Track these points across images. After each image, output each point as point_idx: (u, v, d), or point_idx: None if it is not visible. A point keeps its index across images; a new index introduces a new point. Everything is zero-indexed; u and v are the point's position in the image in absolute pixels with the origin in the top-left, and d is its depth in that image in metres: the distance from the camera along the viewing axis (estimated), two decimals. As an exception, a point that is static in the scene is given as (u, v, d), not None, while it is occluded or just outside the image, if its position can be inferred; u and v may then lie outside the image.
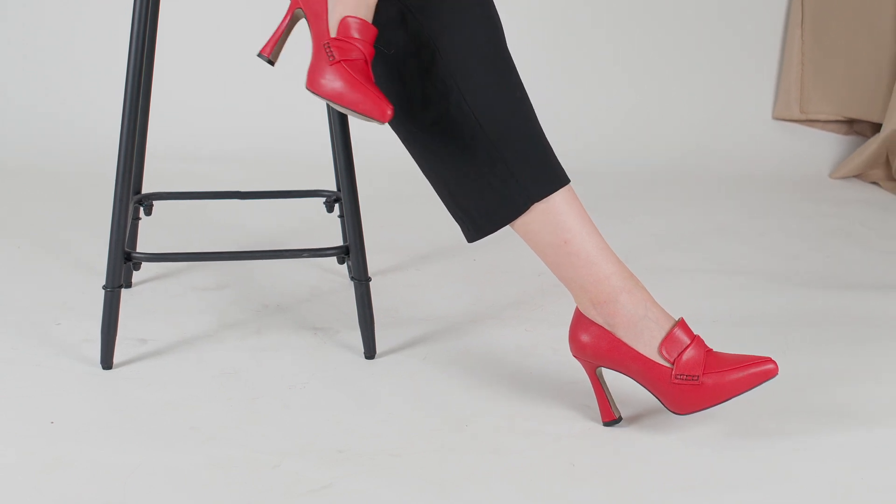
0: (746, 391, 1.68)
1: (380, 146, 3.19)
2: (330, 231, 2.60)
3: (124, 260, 1.94)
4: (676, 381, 1.68)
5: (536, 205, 1.70)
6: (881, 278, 2.42)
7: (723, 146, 3.34)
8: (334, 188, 2.34)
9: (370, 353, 2.00)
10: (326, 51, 1.67)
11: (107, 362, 1.94)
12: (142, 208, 2.26)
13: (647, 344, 1.69)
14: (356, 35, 1.67)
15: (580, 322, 1.74)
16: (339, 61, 1.65)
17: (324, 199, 2.29)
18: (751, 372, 1.67)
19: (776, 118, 3.41)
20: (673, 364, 1.67)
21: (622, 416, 1.78)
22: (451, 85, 1.70)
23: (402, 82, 1.74)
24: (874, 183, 3.19)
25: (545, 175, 1.70)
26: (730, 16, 3.43)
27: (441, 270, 2.43)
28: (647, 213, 2.80)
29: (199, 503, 1.55)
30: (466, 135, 1.70)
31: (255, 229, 2.65)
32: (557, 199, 1.70)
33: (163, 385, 1.89)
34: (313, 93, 1.66)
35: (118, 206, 1.93)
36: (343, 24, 1.67)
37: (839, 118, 3.36)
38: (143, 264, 2.31)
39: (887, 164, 3.19)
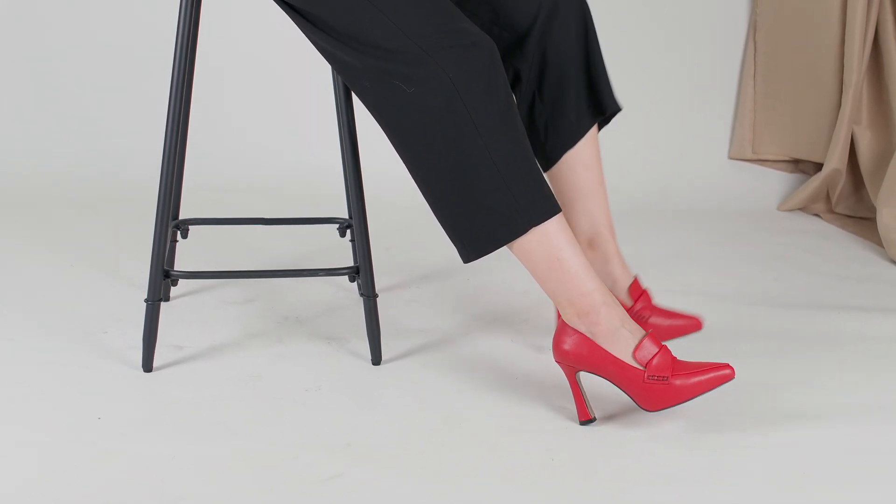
0: (707, 391, 1.71)
1: (387, 181, 3.19)
2: (342, 253, 2.60)
3: (163, 277, 1.94)
4: (648, 381, 1.70)
5: (534, 228, 1.71)
6: (822, 299, 2.42)
7: (684, 182, 3.34)
8: (346, 216, 2.34)
9: (377, 360, 2.00)
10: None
11: (147, 366, 1.94)
12: (179, 232, 2.26)
13: (623, 350, 1.70)
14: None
15: (563, 331, 1.74)
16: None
17: (337, 226, 2.29)
18: (712, 375, 1.70)
19: (731, 158, 3.42)
20: (645, 367, 1.69)
21: (596, 416, 1.78)
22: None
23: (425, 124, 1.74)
24: (816, 215, 3.19)
25: (542, 203, 1.71)
26: (691, 68, 3.44)
27: (439, 288, 2.43)
28: (619, 241, 2.79)
29: (226, 490, 1.55)
30: (480, 167, 1.70)
31: (278, 251, 2.65)
32: (552, 222, 1.71)
33: (196, 386, 1.89)
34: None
35: (159, 229, 1.93)
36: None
37: (786, 158, 3.37)
38: (180, 281, 2.31)
39: (828, 198, 3.19)
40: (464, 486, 1.57)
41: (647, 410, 1.72)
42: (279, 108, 3.37)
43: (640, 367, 1.70)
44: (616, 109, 2.00)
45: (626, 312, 1.74)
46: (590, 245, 2.01)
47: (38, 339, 2.08)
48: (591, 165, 2.00)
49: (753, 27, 3.37)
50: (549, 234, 1.71)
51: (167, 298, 2.27)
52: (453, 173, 1.72)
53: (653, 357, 1.69)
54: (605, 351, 1.71)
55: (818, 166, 3.29)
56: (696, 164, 3.40)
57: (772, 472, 1.62)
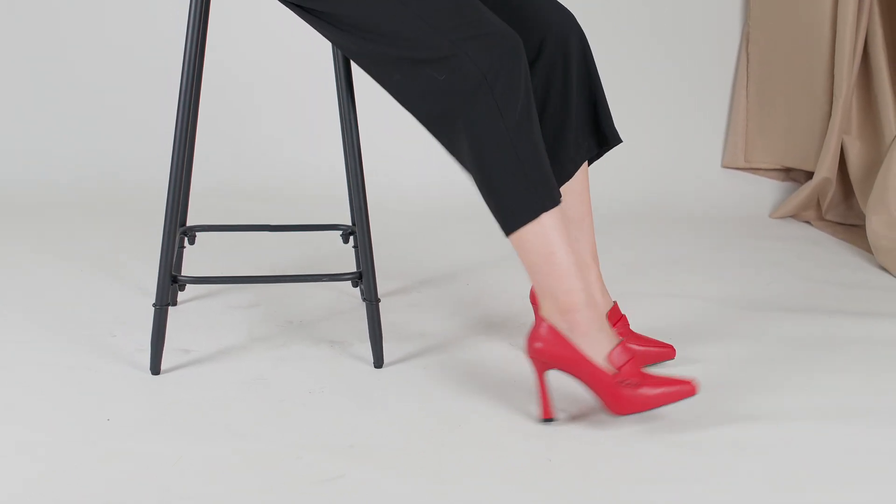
0: (670, 404, 1.74)
1: (390, 189, 3.20)
2: (345, 259, 2.60)
3: (171, 282, 1.94)
4: (618, 385, 1.72)
5: (540, 217, 1.72)
6: (814, 303, 2.42)
7: (679, 190, 3.34)
8: (350, 223, 2.34)
9: (379, 363, 2.00)
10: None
11: (155, 369, 1.94)
12: (186, 238, 2.26)
13: (597, 352, 1.72)
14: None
15: (539, 328, 1.75)
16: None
17: (341, 232, 2.29)
18: (677, 389, 1.74)
19: (725, 166, 3.42)
20: (618, 370, 1.71)
21: (559, 417, 1.80)
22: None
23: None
24: (807, 222, 3.19)
25: (549, 191, 1.73)
26: (686, 80, 3.44)
27: (439, 293, 2.43)
28: (617, 247, 2.80)
29: (231, 489, 1.55)
30: (501, 151, 1.73)
31: (282, 257, 2.65)
32: (551, 216, 1.73)
33: (202, 388, 1.89)
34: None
35: (167, 235, 1.93)
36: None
37: (778, 167, 3.37)
38: (187, 286, 2.31)
39: (818, 206, 3.19)
40: (464, 486, 1.57)
41: (613, 414, 1.74)
42: (285, 118, 3.37)
43: (612, 370, 1.71)
44: (617, 142, 2.01)
45: (605, 318, 1.75)
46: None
47: (47, 341, 2.08)
48: (580, 195, 2.00)
49: (746, 39, 3.37)
50: (546, 228, 1.73)
51: (175, 303, 2.27)
52: (480, 155, 1.74)
53: (625, 363, 1.71)
54: (580, 351, 1.73)
55: (809, 175, 3.29)
56: (691, 173, 3.40)
57: (768, 473, 1.62)
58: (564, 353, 1.74)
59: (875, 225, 2.81)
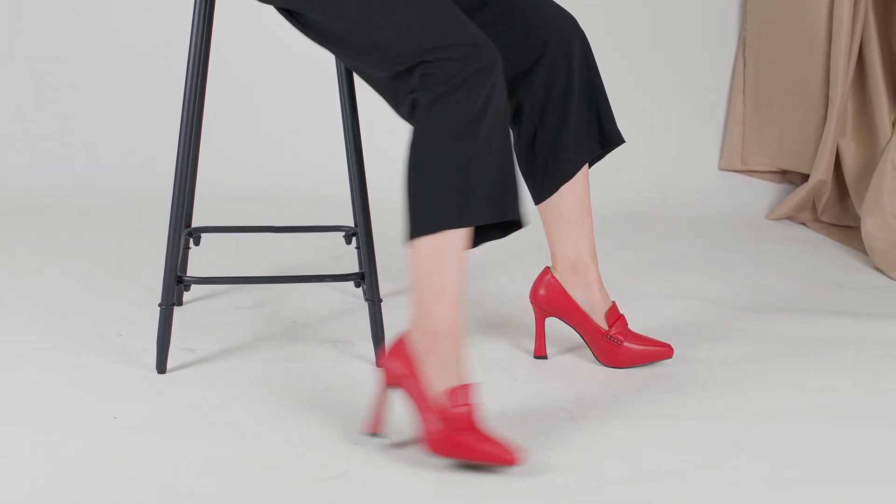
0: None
1: (391, 191, 3.19)
2: (348, 260, 2.60)
3: (177, 282, 1.94)
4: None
5: (445, 233, 1.64)
6: (810, 304, 2.42)
7: (677, 192, 3.33)
8: (352, 224, 2.34)
9: (381, 362, 2.00)
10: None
11: (161, 368, 1.94)
12: (191, 239, 2.26)
13: (440, 383, 1.64)
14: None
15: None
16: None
17: (343, 234, 2.30)
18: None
19: (722, 169, 3.42)
20: (450, 406, 1.62)
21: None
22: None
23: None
24: (803, 224, 3.19)
25: (462, 210, 1.64)
26: (684, 84, 3.44)
27: (441, 294, 2.43)
28: (617, 248, 2.80)
29: (235, 487, 1.55)
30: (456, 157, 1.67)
31: (286, 258, 2.65)
32: (458, 235, 1.65)
33: (207, 387, 1.89)
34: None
35: (172, 237, 1.93)
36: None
37: (774, 169, 3.37)
38: (193, 286, 2.31)
39: (814, 207, 3.19)
40: (465, 484, 1.57)
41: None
42: (288, 121, 3.37)
43: (442, 405, 1.62)
44: (619, 143, 1.99)
45: (461, 356, 1.67)
46: (572, 270, 2.00)
47: (55, 341, 2.08)
48: (581, 196, 1.99)
49: (743, 43, 3.37)
50: (445, 246, 1.65)
51: (180, 303, 2.27)
52: (412, 153, 1.69)
53: (456, 405, 1.62)
54: (419, 372, 1.66)
55: (805, 177, 3.29)
56: (689, 175, 3.40)
57: (767, 472, 1.62)
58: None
59: (870, 227, 2.81)
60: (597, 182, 3.25)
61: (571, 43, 1.93)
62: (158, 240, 2.66)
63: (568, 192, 1.97)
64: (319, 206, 3.08)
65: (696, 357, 2.06)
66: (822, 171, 3.09)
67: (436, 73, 1.64)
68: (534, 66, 1.93)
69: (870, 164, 3.05)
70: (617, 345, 1.98)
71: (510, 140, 1.70)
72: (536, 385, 1.93)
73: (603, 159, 2.07)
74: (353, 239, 2.26)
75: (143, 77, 3.34)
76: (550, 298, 2.01)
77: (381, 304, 1.98)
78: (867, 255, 2.80)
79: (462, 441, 1.61)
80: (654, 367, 2.00)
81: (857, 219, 3.01)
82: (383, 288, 2.38)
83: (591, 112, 1.97)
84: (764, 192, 3.38)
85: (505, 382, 1.94)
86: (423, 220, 1.66)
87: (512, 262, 2.65)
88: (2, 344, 2.06)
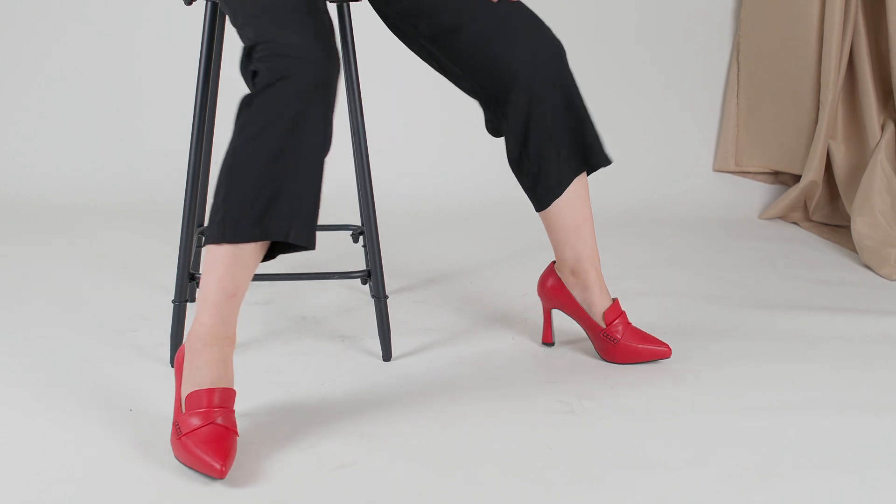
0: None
1: (397, 192, 3.20)
2: (355, 258, 2.61)
3: (189, 279, 1.94)
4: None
5: (221, 244, 1.61)
6: (801, 300, 2.42)
7: (673, 192, 3.34)
8: (359, 224, 2.34)
9: (387, 356, 2.00)
10: None
11: (174, 362, 1.95)
12: (204, 238, 2.27)
13: (189, 385, 1.61)
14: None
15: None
16: None
17: (350, 233, 2.30)
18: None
19: (716, 170, 3.42)
20: (184, 412, 1.59)
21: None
22: None
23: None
24: (794, 223, 3.19)
25: (226, 228, 1.60)
26: (679, 88, 3.44)
27: (445, 291, 2.44)
28: (614, 247, 2.80)
29: (247, 475, 1.55)
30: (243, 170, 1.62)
31: (295, 256, 2.65)
32: (225, 250, 1.61)
33: (220, 381, 1.89)
34: None
35: (185, 236, 1.94)
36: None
37: (767, 170, 3.37)
38: (205, 283, 2.31)
39: (805, 207, 3.19)
40: (468, 474, 1.58)
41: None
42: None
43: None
44: (604, 164, 1.95)
45: (213, 363, 1.61)
46: (572, 273, 2.01)
47: (73, 336, 2.09)
48: (577, 205, 1.96)
49: (737, 49, 3.37)
50: (215, 257, 1.62)
51: (193, 299, 2.27)
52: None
53: (197, 411, 1.57)
54: (181, 377, 1.63)
55: (796, 178, 3.29)
56: (684, 176, 3.40)
57: (760, 463, 1.62)
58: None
59: (859, 226, 2.82)
60: (596, 184, 3.26)
61: (535, 87, 1.86)
62: (171, 239, 2.67)
63: (563, 203, 1.95)
64: (327, 206, 3.09)
65: (691, 352, 2.06)
66: (813, 172, 3.10)
67: (260, 71, 1.60)
68: (507, 95, 1.88)
69: (859, 165, 3.05)
70: (613, 343, 1.98)
71: (317, 164, 1.64)
72: (537, 378, 1.93)
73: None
74: (360, 238, 2.27)
75: (156, 80, 3.35)
76: (554, 292, 2.04)
77: (387, 300, 1.98)
78: (857, 254, 2.80)
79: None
80: (652, 362, 2.00)
81: (848, 218, 3.02)
82: (389, 285, 2.39)
83: (573, 140, 1.92)
84: (757, 192, 3.38)
85: (507, 376, 1.94)
86: (208, 229, 1.63)
87: (513, 260, 2.66)
88: (22, 339, 2.06)
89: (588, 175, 1.97)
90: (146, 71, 3.35)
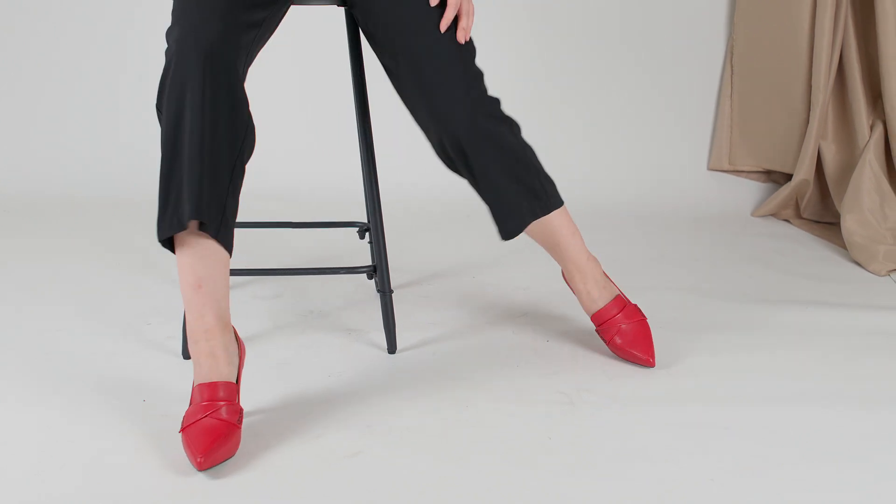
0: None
1: (402, 189, 3.20)
2: (361, 254, 2.61)
3: (201, 274, 1.94)
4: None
5: (174, 236, 1.61)
6: (792, 295, 2.42)
7: (669, 191, 3.34)
8: (365, 221, 2.34)
9: (392, 349, 2.00)
10: None
11: (186, 354, 1.95)
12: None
13: (199, 378, 1.62)
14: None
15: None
16: None
17: (357, 229, 2.30)
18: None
19: (710, 169, 3.41)
20: (182, 422, 1.59)
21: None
22: None
23: None
24: (786, 220, 3.19)
25: (171, 218, 1.59)
26: (675, 91, 3.44)
27: (448, 286, 2.43)
28: (612, 242, 2.80)
29: (256, 465, 1.55)
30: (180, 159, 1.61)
31: (303, 252, 2.65)
32: (182, 240, 1.61)
33: (230, 372, 1.89)
34: None
35: (197, 232, 1.93)
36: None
37: (760, 169, 3.36)
38: (215, 278, 2.31)
39: (797, 205, 3.19)
40: (471, 463, 1.58)
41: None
42: (305, 125, 3.38)
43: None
44: (557, 206, 1.88)
45: (212, 355, 1.62)
46: (566, 276, 2.01)
47: (89, 329, 2.09)
48: (548, 232, 1.91)
49: (730, 52, 3.37)
50: (179, 252, 1.62)
51: (204, 294, 2.27)
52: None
53: (186, 411, 1.59)
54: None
55: (788, 177, 3.29)
56: (680, 175, 3.40)
57: (753, 452, 1.62)
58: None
59: (849, 223, 2.81)
60: (594, 183, 3.25)
61: (457, 137, 1.78)
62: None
63: (534, 232, 1.92)
64: (334, 203, 3.09)
65: (687, 345, 2.06)
66: (804, 171, 3.09)
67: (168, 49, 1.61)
68: (444, 145, 1.82)
69: (849, 164, 3.05)
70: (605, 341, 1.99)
71: (208, 148, 1.59)
72: (538, 371, 1.93)
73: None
74: (366, 234, 2.27)
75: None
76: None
77: (392, 294, 1.98)
78: (846, 250, 2.80)
79: (182, 437, 1.56)
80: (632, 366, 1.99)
81: (838, 216, 3.01)
82: (394, 280, 2.39)
83: (518, 188, 1.85)
84: (750, 190, 3.38)
85: (508, 369, 1.94)
86: (157, 225, 1.62)
87: (514, 256, 2.66)
88: (39, 332, 2.06)
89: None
90: (156, 67, 3.35)
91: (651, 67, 3.46)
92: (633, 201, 3.27)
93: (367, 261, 2.53)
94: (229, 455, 1.54)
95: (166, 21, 3.23)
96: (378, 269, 1.97)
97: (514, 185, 1.84)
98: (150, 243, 2.70)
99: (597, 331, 2.00)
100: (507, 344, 2.07)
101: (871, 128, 2.98)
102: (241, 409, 1.60)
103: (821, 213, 3.17)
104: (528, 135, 2.98)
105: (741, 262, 2.72)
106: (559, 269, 2.50)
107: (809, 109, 3.11)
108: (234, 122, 1.62)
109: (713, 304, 2.34)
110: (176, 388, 1.82)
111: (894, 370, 1.97)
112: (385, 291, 1.97)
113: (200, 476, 1.52)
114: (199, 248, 1.62)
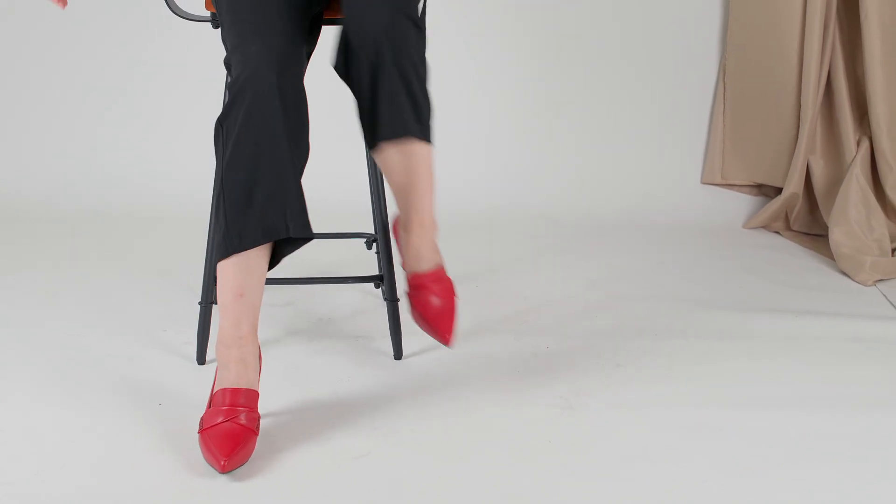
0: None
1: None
2: (368, 263, 2.61)
3: (214, 282, 1.94)
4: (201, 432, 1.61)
5: (229, 257, 1.64)
6: (782, 304, 2.42)
7: (662, 203, 3.33)
8: (372, 232, 2.34)
9: (398, 355, 2.00)
10: None
11: (201, 360, 1.95)
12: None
13: (221, 382, 1.64)
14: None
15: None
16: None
17: (364, 240, 2.30)
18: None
19: (703, 182, 3.41)
20: (210, 406, 1.63)
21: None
22: None
23: None
24: (776, 232, 3.19)
25: (232, 239, 1.63)
26: (669, 106, 3.44)
27: (451, 294, 2.43)
28: (607, 253, 2.80)
29: (267, 466, 1.56)
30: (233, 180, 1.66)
31: (313, 261, 2.65)
32: (232, 261, 1.64)
33: (243, 377, 1.89)
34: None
35: (211, 241, 1.94)
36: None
37: (751, 183, 3.36)
38: (229, 286, 2.31)
39: (786, 218, 3.19)
40: (473, 465, 1.58)
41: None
42: (314, 138, 3.37)
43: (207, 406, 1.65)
44: (418, 136, 1.77)
45: (241, 362, 1.65)
46: (403, 227, 1.88)
47: (107, 335, 2.09)
48: (412, 169, 1.80)
49: (723, 70, 3.38)
50: (225, 269, 1.64)
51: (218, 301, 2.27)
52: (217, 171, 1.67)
53: (222, 406, 1.60)
54: (217, 377, 1.66)
55: (778, 190, 3.29)
56: (673, 188, 3.40)
57: (748, 454, 1.62)
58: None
59: (837, 235, 2.81)
60: (589, 194, 3.25)
61: (368, 41, 1.73)
62: (198, 243, 2.67)
63: (394, 162, 1.80)
64: (343, 216, 3.09)
65: (682, 351, 2.06)
66: (794, 185, 3.09)
67: (229, 88, 1.64)
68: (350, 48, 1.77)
69: (837, 178, 3.05)
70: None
71: (288, 163, 1.66)
72: (538, 375, 1.93)
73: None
74: (374, 245, 2.27)
75: (183, 90, 3.34)
76: (395, 235, 1.96)
77: (399, 303, 1.98)
78: (834, 261, 2.80)
79: (202, 438, 1.57)
80: (644, 360, 1.99)
81: (826, 228, 3.01)
82: (400, 289, 2.38)
83: (409, 102, 1.77)
84: (741, 203, 3.37)
85: (509, 373, 1.94)
86: (218, 246, 1.65)
87: (514, 265, 2.66)
88: (58, 339, 2.07)
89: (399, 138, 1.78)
90: (171, 77, 3.34)
91: (647, 86, 3.46)
92: (627, 214, 3.27)
93: (374, 270, 2.53)
94: (245, 460, 1.55)
95: (193, 36, 3.23)
96: (385, 279, 1.97)
97: (407, 100, 1.75)
98: (163, 252, 2.70)
99: (407, 292, 1.88)
100: (508, 350, 2.07)
101: (858, 144, 2.98)
102: (259, 416, 1.61)
103: (809, 225, 3.17)
104: (522, 147, 2.99)
105: (733, 272, 2.72)
106: (558, 276, 2.50)
107: (799, 126, 3.11)
108: (304, 136, 1.72)
109: (705, 312, 2.33)
110: (192, 392, 1.82)
111: (882, 374, 1.98)
112: (392, 300, 1.97)
113: (214, 477, 1.52)
114: (244, 259, 1.64)
